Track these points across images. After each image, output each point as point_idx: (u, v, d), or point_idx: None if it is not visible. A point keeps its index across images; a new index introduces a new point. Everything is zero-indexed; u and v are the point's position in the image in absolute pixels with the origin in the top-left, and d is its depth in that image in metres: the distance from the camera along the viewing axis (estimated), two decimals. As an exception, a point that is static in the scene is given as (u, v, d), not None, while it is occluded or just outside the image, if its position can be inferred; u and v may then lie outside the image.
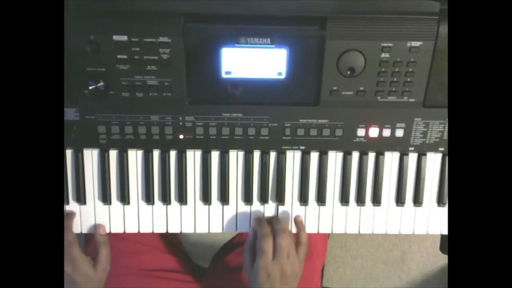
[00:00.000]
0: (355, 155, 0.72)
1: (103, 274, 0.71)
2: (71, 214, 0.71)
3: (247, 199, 0.73)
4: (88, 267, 0.69)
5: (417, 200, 0.74)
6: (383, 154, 0.72)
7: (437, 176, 0.73)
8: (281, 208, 0.74)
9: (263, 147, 0.71)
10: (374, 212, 0.74)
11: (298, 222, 0.73)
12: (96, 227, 0.72)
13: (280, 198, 0.73)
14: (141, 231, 0.74)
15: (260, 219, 0.72)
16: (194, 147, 0.70)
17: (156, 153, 0.71)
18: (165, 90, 0.66)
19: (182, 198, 0.72)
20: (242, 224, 0.74)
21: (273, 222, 0.71)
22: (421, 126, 0.70)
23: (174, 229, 0.74)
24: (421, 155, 0.72)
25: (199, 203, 0.73)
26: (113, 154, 0.71)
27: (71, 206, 0.72)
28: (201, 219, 0.74)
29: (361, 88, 0.66)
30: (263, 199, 0.73)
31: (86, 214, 0.73)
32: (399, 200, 0.74)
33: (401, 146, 0.71)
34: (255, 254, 0.70)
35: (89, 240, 0.83)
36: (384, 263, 1.49)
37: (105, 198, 0.72)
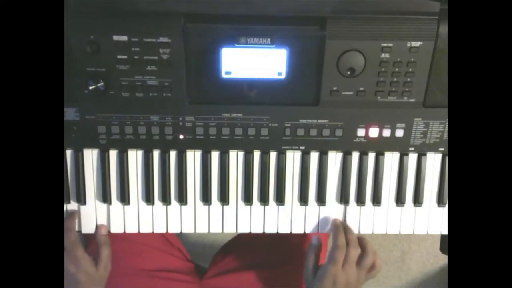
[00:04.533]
0: (355, 155, 0.72)
1: (105, 272, 0.72)
2: (74, 214, 0.71)
3: (247, 199, 0.73)
4: (91, 266, 0.69)
5: (417, 200, 0.74)
6: (383, 154, 0.72)
7: (437, 176, 0.73)
8: (281, 208, 0.74)
9: (263, 147, 0.71)
10: (374, 212, 0.74)
11: (361, 239, 0.72)
12: (97, 227, 0.72)
13: (280, 198, 0.73)
14: (141, 231, 0.74)
15: (338, 228, 0.72)
16: (194, 147, 0.70)
17: (156, 153, 0.71)
18: (165, 90, 0.66)
19: (182, 198, 0.72)
20: (242, 224, 0.74)
21: (346, 232, 0.71)
22: (421, 126, 0.70)
23: (174, 229, 0.74)
24: (421, 155, 0.72)
25: (199, 203, 0.73)
26: (113, 154, 0.71)
27: (71, 206, 0.72)
28: (201, 219, 0.74)
29: (361, 88, 0.66)
30: (263, 199, 0.73)
31: (86, 214, 0.73)
32: (399, 200, 0.74)
33: (401, 146, 0.71)
34: (318, 262, 0.71)
35: (89, 240, 0.83)
36: (384, 263, 1.49)
37: (105, 198, 0.72)
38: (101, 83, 0.64)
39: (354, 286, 0.69)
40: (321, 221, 0.74)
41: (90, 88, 0.64)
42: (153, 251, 0.86)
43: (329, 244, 0.75)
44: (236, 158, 0.72)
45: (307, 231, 0.74)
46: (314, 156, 0.72)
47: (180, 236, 0.97)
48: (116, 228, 0.73)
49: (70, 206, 0.72)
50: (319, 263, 0.73)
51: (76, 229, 0.72)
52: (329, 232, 0.74)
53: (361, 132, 0.70)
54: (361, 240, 0.72)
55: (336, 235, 0.71)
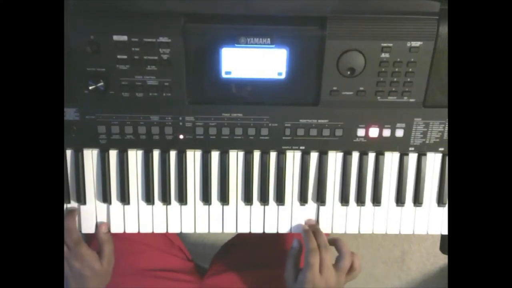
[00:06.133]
0: (355, 155, 0.72)
1: (109, 267, 0.73)
2: (73, 212, 0.71)
3: (247, 199, 0.73)
4: (95, 261, 0.70)
5: (417, 200, 0.74)
6: (383, 154, 0.72)
7: (437, 176, 0.73)
8: (281, 208, 0.74)
9: (263, 147, 0.71)
10: (374, 212, 0.74)
11: (336, 240, 0.72)
12: (98, 225, 0.72)
13: (280, 198, 0.73)
14: (141, 231, 0.74)
15: (308, 232, 0.71)
16: (194, 147, 0.70)
17: (156, 153, 0.71)
18: (165, 90, 0.66)
19: (182, 198, 0.72)
20: (242, 224, 0.74)
21: (317, 235, 0.71)
22: (421, 126, 0.70)
23: (174, 229, 0.74)
24: (421, 155, 0.72)
25: (199, 203, 0.73)
26: (113, 154, 0.71)
27: (71, 206, 0.72)
28: (201, 219, 0.74)
29: (361, 88, 0.66)
30: (263, 199, 0.73)
31: (86, 214, 0.73)
32: (399, 200, 0.74)
33: (401, 146, 0.71)
34: (298, 265, 0.71)
35: (89, 240, 0.83)
36: (384, 263, 1.49)
37: (105, 198, 0.72)
38: (101, 83, 0.64)
39: None
40: (321, 221, 0.74)
41: (90, 88, 0.64)
42: (154, 250, 0.86)
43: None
44: (236, 158, 0.72)
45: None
46: (314, 156, 0.72)
47: (180, 236, 0.97)
48: (116, 228, 0.73)
49: (70, 206, 0.72)
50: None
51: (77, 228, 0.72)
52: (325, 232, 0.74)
53: (361, 132, 0.70)
54: (336, 242, 0.71)
55: (307, 239, 0.70)
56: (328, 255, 0.68)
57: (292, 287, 0.70)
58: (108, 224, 0.73)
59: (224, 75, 0.65)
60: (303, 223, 0.74)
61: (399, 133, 0.70)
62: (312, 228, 0.72)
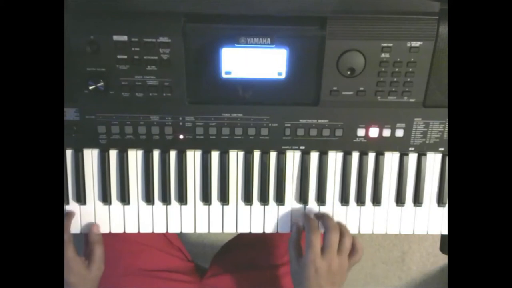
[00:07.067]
0: (355, 155, 0.72)
1: (98, 272, 0.71)
2: (70, 214, 0.71)
3: (247, 199, 0.73)
4: (82, 267, 0.69)
5: (417, 200, 0.74)
6: (383, 154, 0.72)
7: (437, 176, 0.73)
8: (281, 208, 0.74)
9: (263, 147, 0.71)
10: (374, 212, 0.74)
11: (341, 226, 0.72)
12: (90, 226, 0.72)
13: (280, 198, 0.73)
14: (141, 231, 0.74)
15: (307, 214, 0.71)
16: (194, 147, 0.70)
17: (156, 153, 0.71)
18: (165, 90, 0.66)
19: (182, 198, 0.72)
20: (242, 224, 0.74)
21: (324, 218, 0.70)
22: (421, 126, 0.70)
23: (174, 229, 0.74)
24: (421, 155, 0.72)
25: (199, 203, 0.73)
26: (113, 154, 0.71)
27: (71, 206, 0.72)
28: (201, 219, 0.74)
29: (361, 88, 0.66)
30: (263, 199, 0.73)
31: (86, 214, 0.73)
32: (399, 200, 0.74)
33: (401, 146, 0.71)
34: (300, 251, 0.70)
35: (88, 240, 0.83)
36: (384, 263, 1.49)
37: (105, 198, 0.72)
38: (101, 83, 0.64)
39: (338, 273, 0.67)
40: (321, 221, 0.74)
41: (90, 88, 0.64)
42: (153, 251, 0.86)
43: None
44: (236, 158, 0.72)
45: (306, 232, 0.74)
46: (314, 156, 0.72)
47: (180, 236, 0.98)
48: (116, 228, 0.73)
49: (70, 206, 0.72)
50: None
51: (74, 230, 0.72)
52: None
53: (361, 132, 0.70)
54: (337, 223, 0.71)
55: (307, 222, 0.70)
56: (335, 238, 0.67)
57: (296, 272, 0.69)
58: (106, 225, 0.73)
59: (224, 75, 0.65)
60: (303, 223, 0.74)
61: (399, 133, 0.70)
62: (319, 214, 0.72)
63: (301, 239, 0.72)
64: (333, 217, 0.72)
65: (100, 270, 0.72)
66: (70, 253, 0.68)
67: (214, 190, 0.73)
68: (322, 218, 0.71)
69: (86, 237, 0.83)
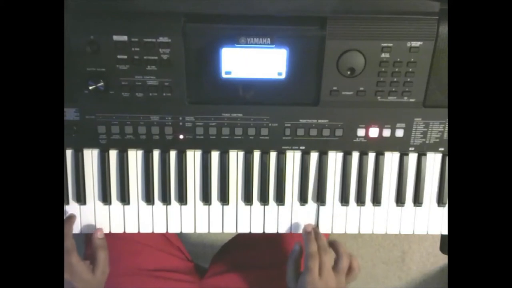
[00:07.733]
0: (355, 155, 0.72)
1: (103, 276, 0.71)
2: (71, 218, 0.71)
3: (247, 199, 0.73)
4: (87, 272, 0.68)
5: (417, 200, 0.74)
6: (383, 154, 0.72)
7: (437, 176, 0.73)
8: (281, 208, 0.74)
9: (263, 147, 0.71)
10: (374, 212, 0.74)
11: (333, 242, 0.72)
12: (94, 230, 0.72)
13: (280, 198, 0.73)
14: (141, 231, 0.74)
15: (309, 235, 0.71)
16: (194, 147, 0.70)
17: (156, 153, 0.71)
18: (165, 90, 0.66)
19: (182, 198, 0.72)
20: (242, 224, 0.74)
21: (317, 238, 0.70)
22: (421, 126, 0.70)
23: (174, 229, 0.74)
24: (421, 155, 0.72)
25: (199, 203, 0.73)
26: (113, 154, 0.71)
27: (71, 206, 0.72)
28: (201, 219, 0.74)
29: (361, 88, 0.66)
30: (263, 199, 0.73)
31: (86, 214, 0.73)
32: (399, 200, 0.74)
33: (401, 146, 0.71)
34: (299, 268, 0.70)
35: (89, 240, 0.83)
36: (384, 263, 1.49)
37: (105, 198, 0.72)
38: (101, 83, 0.64)
39: None
40: (321, 221, 0.74)
41: (90, 88, 0.64)
42: (153, 251, 0.86)
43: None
44: (236, 158, 0.72)
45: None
46: (314, 156, 0.72)
47: (180, 236, 0.97)
48: (116, 228, 0.73)
49: (70, 206, 0.72)
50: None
51: (74, 230, 0.71)
52: (324, 233, 0.74)
53: (361, 132, 0.70)
54: (333, 244, 0.71)
55: (307, 243, 0.70)
56: (327, 258, 0.68)
57: None
58: (106, 225, 0.73)
59: (224, 75, 0.65)
60: (303, 223, 0.74)
61: (399, 133, 0.70)
62: (314, 231, 0.72)
63: (301, 257, 0.72)
64: (323, 237, 0.71)
65: (105, 274, 0.71)
66: (74, 259, 0.67)
67: (214, 190, 0.73)
68: (316, 237, 0.71)
69: (86, 237, 0.83)
